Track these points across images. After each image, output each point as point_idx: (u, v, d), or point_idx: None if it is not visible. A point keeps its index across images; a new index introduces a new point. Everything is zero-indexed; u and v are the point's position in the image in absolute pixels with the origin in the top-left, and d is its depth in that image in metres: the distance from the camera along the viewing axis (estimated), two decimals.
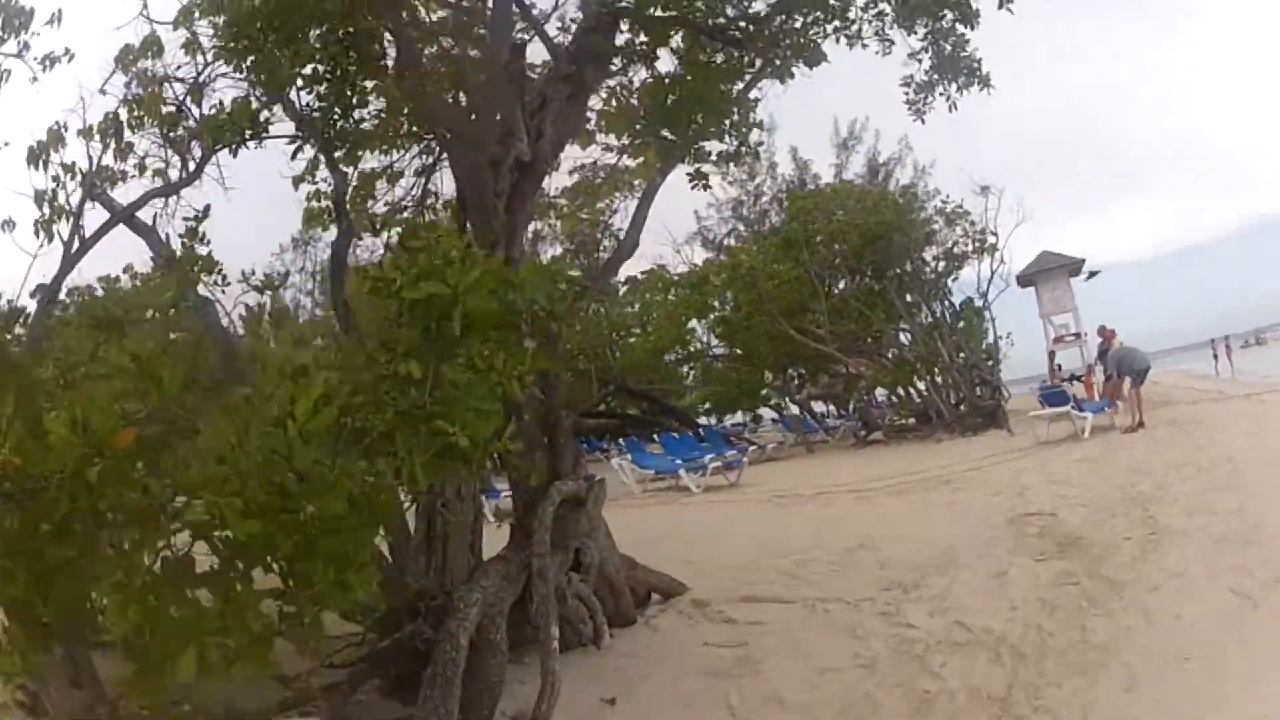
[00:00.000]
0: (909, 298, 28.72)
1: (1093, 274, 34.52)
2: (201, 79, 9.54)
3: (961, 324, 27.50)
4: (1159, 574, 7.63)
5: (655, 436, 28.37)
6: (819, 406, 36.69)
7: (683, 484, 19.77)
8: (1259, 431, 15.30)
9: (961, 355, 26.72)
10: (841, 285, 27.76)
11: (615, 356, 31.09)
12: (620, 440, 32.16)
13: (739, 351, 29.36)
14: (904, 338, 28.37)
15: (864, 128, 32.86)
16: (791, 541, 11.48)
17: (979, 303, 27.99)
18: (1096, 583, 7.66)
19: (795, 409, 33.24)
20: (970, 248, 27.89)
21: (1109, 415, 19.63)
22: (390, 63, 9.03)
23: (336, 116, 9.08)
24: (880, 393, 31.58)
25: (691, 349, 31.99)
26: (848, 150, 33.27)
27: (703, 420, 38.04)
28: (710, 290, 28.17)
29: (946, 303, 28.61)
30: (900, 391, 28.45)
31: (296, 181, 10.27)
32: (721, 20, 8.90)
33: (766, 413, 36.51)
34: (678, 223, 30.84)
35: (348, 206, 9.89)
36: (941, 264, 28.71)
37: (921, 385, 27.41)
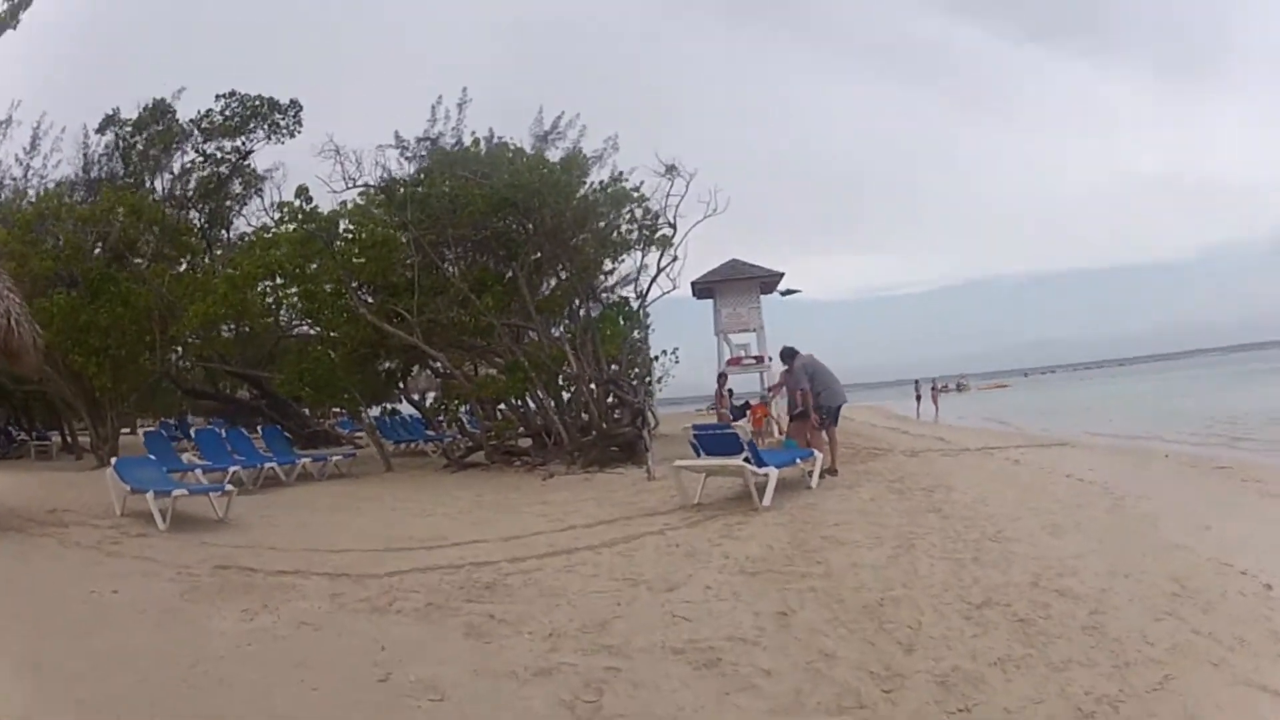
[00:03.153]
0: (549, 287, 21.89)
1: (790, 291, 29.42)
2: None
3: (607, 330, 20.69)
4: None
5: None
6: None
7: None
8: (1060, 519, 9.55)
9: (614, 366, 19.99)
10: (457, 265, 20.25)
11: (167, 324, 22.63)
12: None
13: (332, 334, 21.50)
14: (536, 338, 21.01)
15: (571, 124, 25.98)
16: None
17: (635, 304, 21.57)
18: None
19: (376, 413, 25.95)
20: (636, 236, 21.02)
21: (801, 467, 13.27)
22: None
23: None
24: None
25: (266, 322, 24.03)
26: (546, 143, 26.36)
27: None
28: (290, 253, 20.32)
29: (592, 301, 21.81)
30: (512, 404, 21.08)
31: None
32: None
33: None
34: None
35: None
36: (593, 251, 21.89)
37: (541, 398, 20.15)
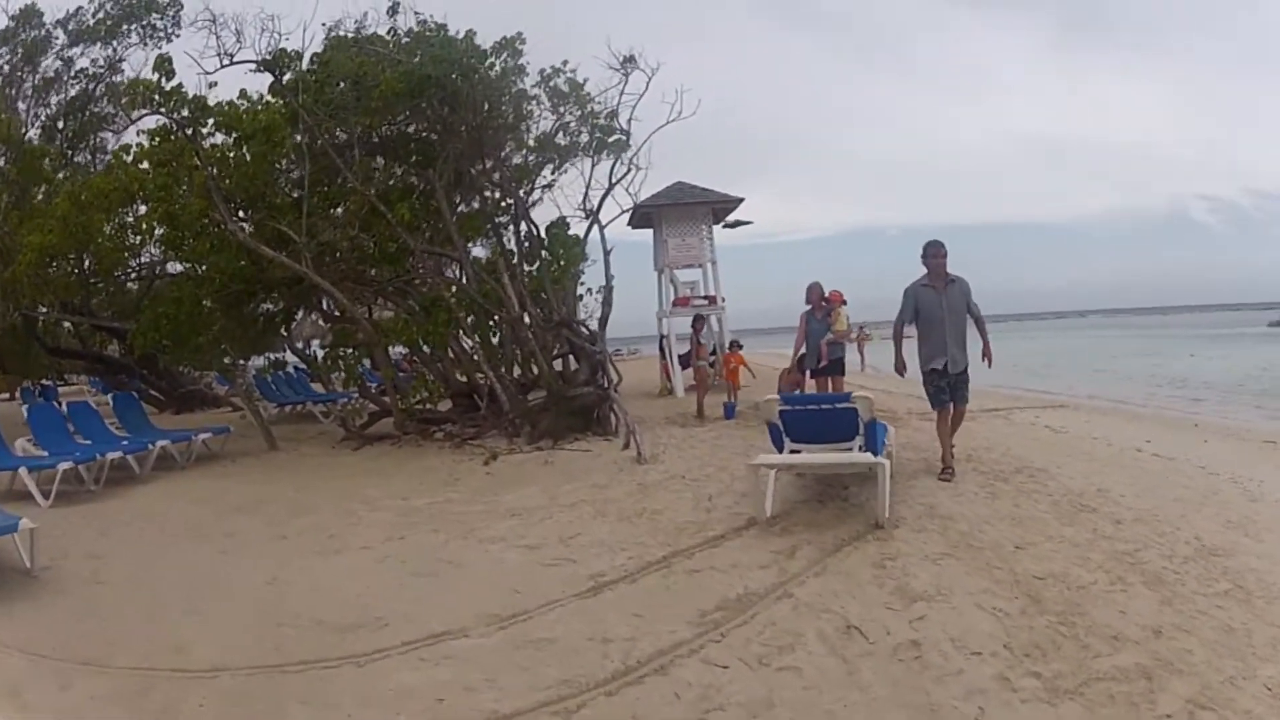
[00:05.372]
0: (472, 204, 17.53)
1: (738, 223, 25.23)
2: None
3: (553, 259, 16.43)
4: None
5: None
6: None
7: None
8: (1227, 515, 7.92)
9: (543, 307, 15.64)
10: (358, 172, 15.29)
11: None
12: None
13: (199, 269, 16.51)
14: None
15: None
16: None
17: (582, 225, 16.95)
18: None
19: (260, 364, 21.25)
20: (586, 140, 16.86)
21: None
22: None
23: None
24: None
25: (120, 256, 18.92)
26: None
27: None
28: (155, 173, 15.41)
29: (525, 222, 17.26)
30: (426, 355, 16.53)
31: None
32: None
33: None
34: None
35: None
36: (534, 157, 17.67)
37: (467, 346, 16.00)
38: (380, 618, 6.10)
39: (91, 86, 24.01)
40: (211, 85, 14.48)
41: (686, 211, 23.31)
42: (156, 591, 7.16)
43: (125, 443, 13.45)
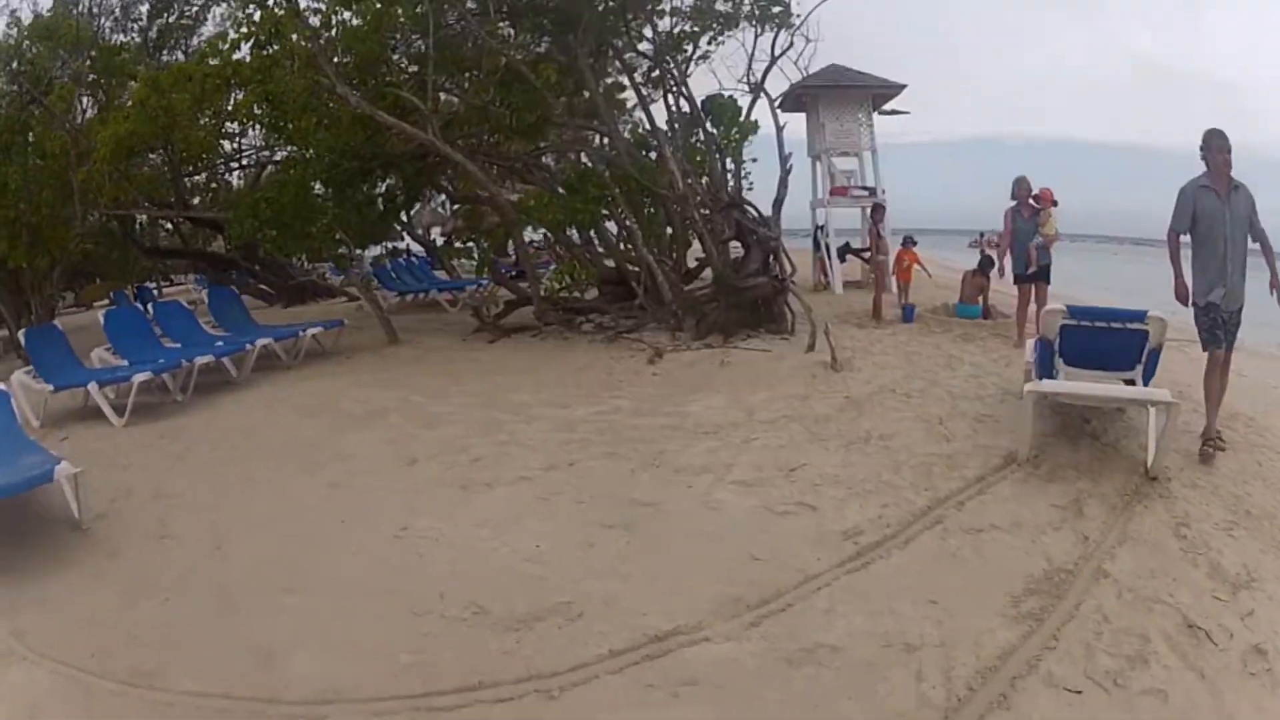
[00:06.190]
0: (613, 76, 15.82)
1: (897, 112, 22.38)
2: None
3: (717, 134, 14.47)
4: None
5: None
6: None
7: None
8: None
9: (704, 180, 13.71)
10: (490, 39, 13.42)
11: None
12: None
13: (306, 151, 14.70)
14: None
15: None
16: None
17: (747, 99, 14.77)
18: None
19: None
20: (748, 4, 14.72)
21: None
22: None
23: None
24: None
25: (209, 141, 17.41)
26: None
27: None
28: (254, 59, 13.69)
29: (681, 92, 15.00)
30: (568, 239, 14.61)
31: None
32: None
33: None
34: None
35: None
36: (685, 25, 15.26)
37: (629, 228, 13.66)
38: (568, 602, 4.22)
39: None
40: None
41: (844, 95, 20.91)
42: (240, 553, 5.30)
43: (219, 344, 11.84)
